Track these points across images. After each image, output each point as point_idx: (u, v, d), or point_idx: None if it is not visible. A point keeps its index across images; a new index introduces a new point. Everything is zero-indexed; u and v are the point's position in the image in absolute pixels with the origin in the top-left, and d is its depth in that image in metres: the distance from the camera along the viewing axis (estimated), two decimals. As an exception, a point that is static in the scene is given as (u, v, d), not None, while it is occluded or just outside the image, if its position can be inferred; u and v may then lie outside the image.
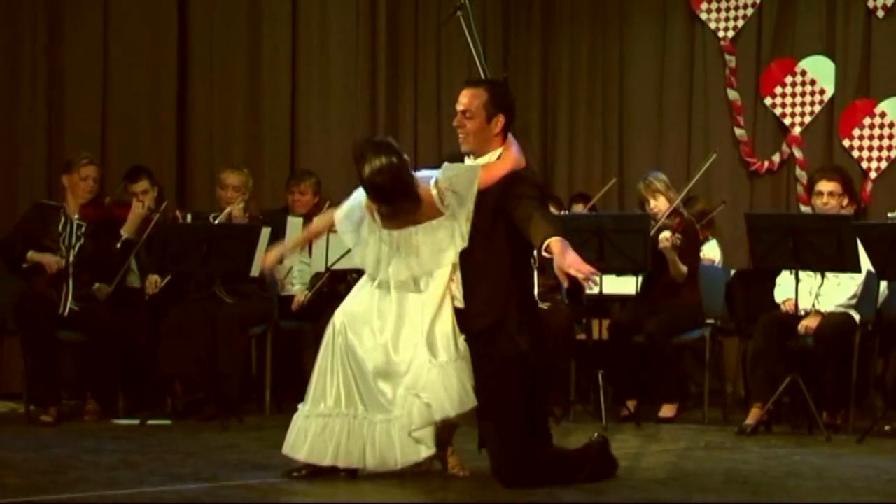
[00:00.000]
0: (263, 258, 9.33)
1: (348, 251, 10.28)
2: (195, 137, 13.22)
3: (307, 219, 11.62)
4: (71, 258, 11.11)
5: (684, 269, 11.16)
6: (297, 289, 11.90)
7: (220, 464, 8.16)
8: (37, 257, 11.01)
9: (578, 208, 12.38)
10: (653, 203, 11.34)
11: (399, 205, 7.91)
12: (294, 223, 11.57)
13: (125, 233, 11.21)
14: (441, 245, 8.02)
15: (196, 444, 9.18)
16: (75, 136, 12.51)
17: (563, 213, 12.23)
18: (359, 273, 8.43)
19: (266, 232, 10.89)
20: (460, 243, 8.02)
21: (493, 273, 8.02)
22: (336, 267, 11.22)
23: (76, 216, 11.22)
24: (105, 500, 6.89)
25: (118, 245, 11.23)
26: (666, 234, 11.01)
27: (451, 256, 8.05)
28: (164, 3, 13.24)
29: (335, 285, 11.60)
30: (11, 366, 11.35)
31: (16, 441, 9.47)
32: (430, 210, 8.00)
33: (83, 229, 11.16)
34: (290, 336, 11.96)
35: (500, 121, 8.07)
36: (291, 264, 11.77)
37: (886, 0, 12.68)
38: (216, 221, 11.36)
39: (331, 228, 8.79)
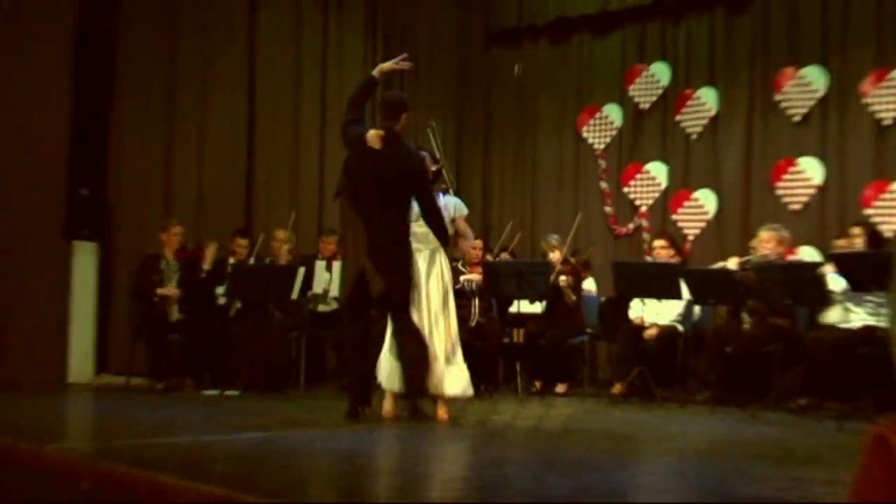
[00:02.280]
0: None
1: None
2: (257, 207, 13.19)
3: (328, 262, 11.75)
4: (173, 286, 11.25)
5: (573, 297, 11.29)
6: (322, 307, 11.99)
7: (272, 421, 8.20)
8: (161, 291, 11.14)
9: (505, 256, 12.41)
10: (551, 255, 11.48)
11: None
12: (320, 265, 11.75)
13: (206, 265, 11.36)
14: None
15: (256, 408, 9.23)
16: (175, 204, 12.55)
17: (498, 258, 12.30)
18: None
19: (301, 270, 11.06)
20: None
21: None
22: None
23: (172, 259, 11.34)
24: (196, 443, 6.93)
25: (203, 275, 11.38)
26: (563, 277, 11.15)
27: None
28: (237, 97, 13.08)
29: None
30: (140, 356, 11.32)
31: (141, 403, 9.53)
32: None
33: (177, 266, 11.29)
34: (318, 339, 11.90)
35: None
36: (326, 288, 11.82)
37: (699, 127, 12.82)
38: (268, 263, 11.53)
39: None
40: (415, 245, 8.28)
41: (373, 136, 8.06)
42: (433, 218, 8.27)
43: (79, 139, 11.67)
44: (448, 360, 8.26)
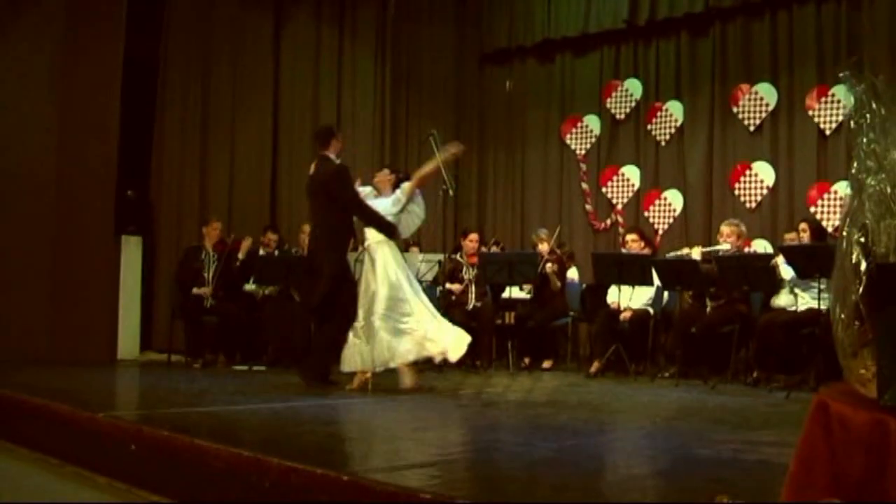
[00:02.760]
0: None
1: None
2: (281, 205, 13.20)
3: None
4: (210, 275, 11.24)
5: (559, 283, 11.31)
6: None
7: (293, 392, 8.13)
8: (197, 291, 11.15)
9: (495, 249, 12.43)
10: (540, 246, 11.48)
11: None
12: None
13: (241, 256, 11.37)
14: None
15: (280, 381, 9.17)
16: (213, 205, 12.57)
17: (492, 250, 12.34)
18: None
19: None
20: None
21: None
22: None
23: (211, 250, 11.35)
24: (228, 411, 6.95)
25: (237, 264, 11.39)
26: (549, 265, 11.16)
27: None
28: (263, 109, 13.15)
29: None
30: (179, 335, 11.36)
31: (180, 377, 9.57)
32: None
33: (215, 257, 11.29)
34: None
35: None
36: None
37: (667, 135, 12.83)
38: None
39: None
40: (371, 243, 8.57)
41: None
42: (364, 218, 8.62)
43: (126, 148, 11.71)
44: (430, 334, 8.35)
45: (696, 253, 10.16)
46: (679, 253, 10.49)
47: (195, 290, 11.20)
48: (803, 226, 9.78)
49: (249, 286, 11.55)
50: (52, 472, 6.04)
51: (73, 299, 11.20)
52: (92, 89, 11.46)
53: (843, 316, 3.04)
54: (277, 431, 5.98)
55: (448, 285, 11.34)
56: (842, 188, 11.07)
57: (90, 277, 11.35)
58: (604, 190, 13.45)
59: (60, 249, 11.26)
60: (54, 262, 11.24)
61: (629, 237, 11.11)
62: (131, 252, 11.92)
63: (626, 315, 10.51)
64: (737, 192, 12.12)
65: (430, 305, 8.55)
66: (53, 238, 11.27)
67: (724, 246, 10.04)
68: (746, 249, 10.28)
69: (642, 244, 10.99)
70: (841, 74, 3.24)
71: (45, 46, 11.43)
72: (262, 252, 11.58)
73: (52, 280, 11.22)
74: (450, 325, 8.55)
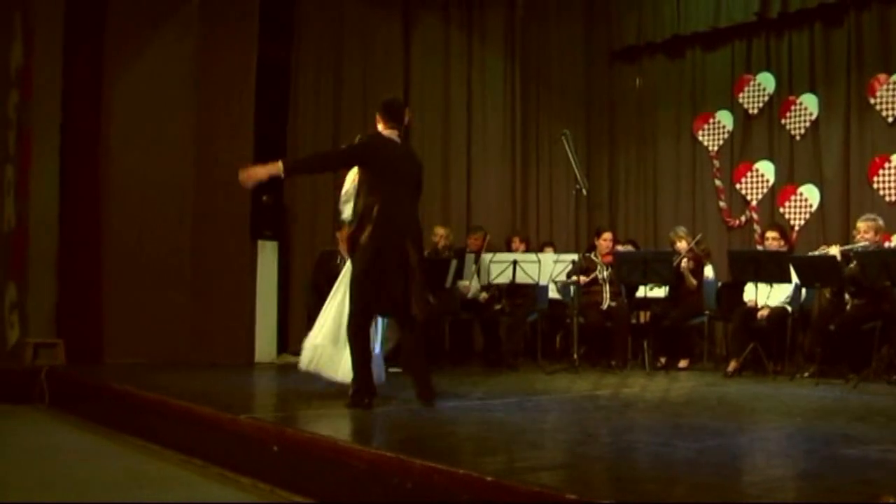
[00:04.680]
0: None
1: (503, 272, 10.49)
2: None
3: (477, 256, 11.68)
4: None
5: (694, 281, 11.20)
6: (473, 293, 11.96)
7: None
8: None
9: (628, 247, 12.36)
10: (678, 244, 11.39)
11: None
12: (469, 258, 11.68)
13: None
14: None
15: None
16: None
17: (627, 248, 12.26)
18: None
19: (454, 262, 11.05)
20: None
21: None
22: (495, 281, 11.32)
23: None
24: (366, 412, 6.96)
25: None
26: (685, 262, 11.10)
27: None
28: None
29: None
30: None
31: (315, 380, 9.63)
32: None
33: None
34: (465, 323, 11.99)
35: None
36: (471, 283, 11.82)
37: (802, 129, 12.61)
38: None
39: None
40: None
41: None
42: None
43: (260, 152, 11.91)
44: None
45: (835, 251, 9.97)
46: (817, 253, 10.30)
47: None
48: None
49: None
50: (198, 472, 6.19)
51: (212, 303, 11.47)
52: (227, 95, 11.74)
53: None
54: (418, 432, 6.03)
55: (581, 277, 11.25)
56: None
57: (227, 282, 11.60)
58: (737, 186, 13.27)
59: (199, 254, 11.56)
60: (193, 266, 11.53)
61: (769, 234, 10.92)
62: (267, 256, 12.10)
63: (763, 313, 10.37)
64: (875, 185, 11.86)
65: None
66: (192, 243, 11.58)
67: (863, 243, 9.84)
68: (886, 244, 10.07)
69: (782, 241, 10.83)
70: None
71: (182, 55, 11.75)
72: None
73: (192, 284, 11.51)
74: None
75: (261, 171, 7.15)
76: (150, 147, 11.44)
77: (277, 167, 7.11)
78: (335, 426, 6.19)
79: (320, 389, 7.85)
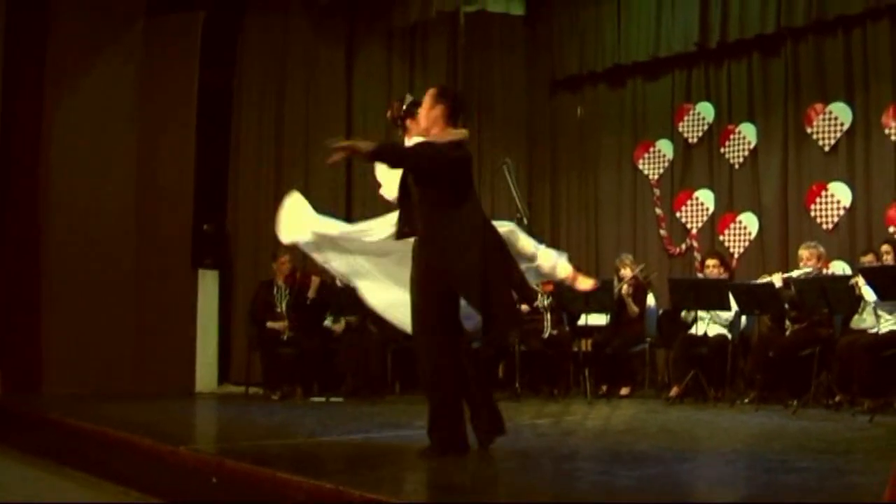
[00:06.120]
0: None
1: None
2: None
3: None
4: (283, 308, 11.30)
5: (636, 308, 11.25)
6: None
7: (373, 423, 8.19)
8: (272, 325, 11.22)
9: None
10: (623, 271, 11.44)
11: None
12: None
13: (311, 294, 11.41)
14: None
15: (358, 412, 9.21)
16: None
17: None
18: None
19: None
20: None
21: None
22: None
23: (283, 284, 11.41)
24: (308, 443, 6.99)
25: (308, 303, 11.42)
26: (625, 288, 11.16)
27: None
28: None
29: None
30: (256, 368, 11.44)
31: (259, 409, 9.61)
32: None
33: (287, 291, 11.36)
34: (410, 351, 11.84)
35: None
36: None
37: (741, 157, 12.72)
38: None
39: None
40: None
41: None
42: None
43: (201, 182, 11.87)
44: None
45: (776, 279, 10.06)
46: (760, 281, 10.38)
47: (269, 324, 11.27)
48: (886, 248, 9.66)
49: (327, 321, 11.58)
50: (136, 505, 6.11)
51: (153, 333, 11.38)
52: (169, 121, 11.72)
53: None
54: (358, 462, 5.98)
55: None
56: (922, 207, 10.95)
57: (168, 311, 11.54)
58: (678, 214, 13.34)
59: (139, 283, 11.47)
60: (133, 296, 11.43)
61: (709, 262, 11.01)
62: (208, 285, 12.04)
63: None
64: (813, 213, 11.97)
65: None
66: (132, 272, 11.48)
67: (806, 270, 9.95)
68: (825, 271, 10.17)
69: (722, 269, 10.91)
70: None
71: (125, 80, 11.70)
72: (339, 283, 11.59)
73: (132, 314, 11.40)
74: None
75: (361, 145, 6.05)
76: (91, 173, 11.36)
77: (368, 147, 6.00)
78: (275, 457, 6.12)
79: (262, 420, 7.80)
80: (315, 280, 11.45)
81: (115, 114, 11.62)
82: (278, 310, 11.31)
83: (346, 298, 11.04)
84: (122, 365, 11.25)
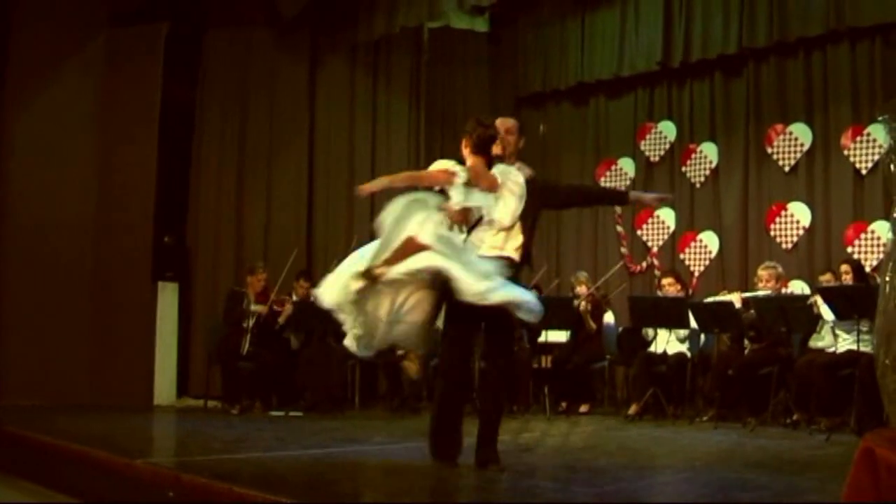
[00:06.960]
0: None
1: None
2: (316, 251, 13.11)
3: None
4: (250, 323, 11.23)
5: (593, 325, 11.29)
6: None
7: (332, 438, 8.16)
8: (254, 308, 11.16)
9: (532, 292, 12.39)
10: (578, 288, 11.48)
11: None
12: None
13: (281, 321, 11.33)
14: None
15: (317, 427, 9.17)
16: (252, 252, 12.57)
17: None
18: None
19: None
20: None
21: None
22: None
23: (253, 300, 11.34)
24: (266, 457, 6.96)
25: (277, 328, 11.36)
26: (583, 304, 11.18)
27: None
28: (298, 155, 13.06)
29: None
30: (216, 381, 11.37)
31: (217, 423, 9.55)
32: None
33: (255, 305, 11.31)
34: (371, 366, 11.81)
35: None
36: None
37: (702, 177, 12.80)
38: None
39: None
40: None
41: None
42: None
43: (163, 195, 11.83)
44: None
45: (735, 299, 10.13)
46: (718, 298, 10.44)
47: (254, 307, 11.24)
48: (845, 267, 9.72)
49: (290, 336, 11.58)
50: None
51: (111, 345, 11.32)
52: (130, 135, 11.67)
53: (888, 361, 3.01)
54: (316, 478, 5.96)
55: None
56: (879, 228, 11.02)
57: (127, 324, 11.47)
58: (639, 233, 13.40)
59: (98, 295, 11.41)
60: (93, 307, 11.36)
61: (665, 281, 11.09)
62: (168, 298, 11.97)
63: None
64: (773, 233, 12.05)
65: None
66: (92, 283, 11.44)
67: (764, 291, 10.03)
68: (784, 291, 10.24)
69: (678, 287, 10.97)
70: (880, 118, 3.22)
71: (86, 93, 11.66)
72: (294, 298, 11.54)
73: (91, 326, 11.33)
74: None
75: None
76: (51, 185, 11.30)
77: None
78: (232, 472, 6.09)
79: (220, 434, 7.76)
80: (288, 308, 11.36)
81: (75, 125, 11.57)
82: (244, 324, 11.23)
83: (307, 313, 11.08)
84: (81, 377, 11.18)
